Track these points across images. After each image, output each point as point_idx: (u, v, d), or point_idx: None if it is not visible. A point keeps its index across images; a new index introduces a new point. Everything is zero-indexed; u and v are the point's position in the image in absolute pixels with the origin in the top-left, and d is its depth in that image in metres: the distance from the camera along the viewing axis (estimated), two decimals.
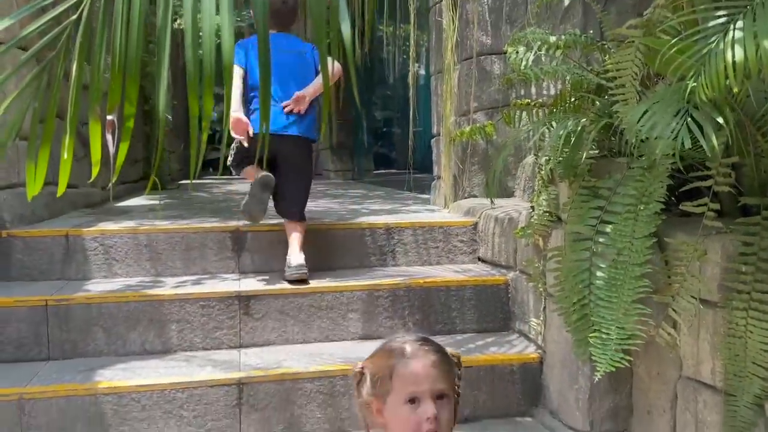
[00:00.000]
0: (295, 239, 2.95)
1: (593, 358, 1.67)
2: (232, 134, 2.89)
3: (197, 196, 5.56)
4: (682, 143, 1.58)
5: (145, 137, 6.84)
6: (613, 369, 1.65)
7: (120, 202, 4.85)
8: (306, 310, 2.77)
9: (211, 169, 16.08)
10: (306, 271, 2.84)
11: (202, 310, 2.70)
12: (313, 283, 2.85)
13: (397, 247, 3.22)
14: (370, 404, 1.31)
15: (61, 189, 1.74)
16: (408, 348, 1.29)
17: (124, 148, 1.61)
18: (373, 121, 10.65)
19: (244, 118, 2.92)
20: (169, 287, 2.80)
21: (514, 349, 2.70)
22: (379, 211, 3.85)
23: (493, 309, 2.93)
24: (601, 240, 1.94)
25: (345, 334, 2.80)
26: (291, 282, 2.82)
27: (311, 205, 4.30)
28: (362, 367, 1.34)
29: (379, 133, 11.73)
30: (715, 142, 1.49)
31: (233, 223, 3.16)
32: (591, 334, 1.72)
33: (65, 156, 1.60)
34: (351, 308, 2.80)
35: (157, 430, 2.35)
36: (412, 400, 1.24)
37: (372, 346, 2.65)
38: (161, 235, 3.04)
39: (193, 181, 8.66)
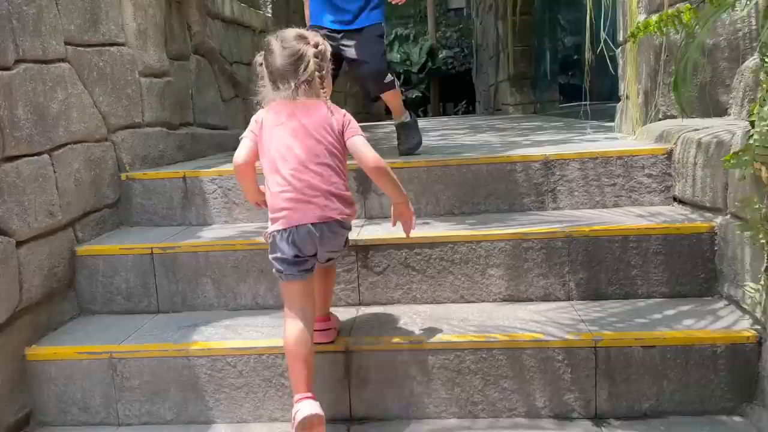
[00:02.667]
0: None
1: None
2: None
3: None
4: None
5: None
6: None
7: None
8: (435, 264, 2.24)
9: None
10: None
11: None
12: (445, 231, 2.31)
13: (559, 185, 2.54)
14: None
15: None
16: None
17: None
18: (559, 48, 9.57)
19: None
20: None
21: (720, 323, 1.94)
22: (542, 143, 3.15)
23: (691, 267, 2.16)
24: None
25: (484, 294, 2.24)
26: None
27: (465, 139, 3.69)
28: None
29: (568, 62, 10.56)
30: None
31: None
32: None
33: None
34: (491, 262, 2.22)
35: (256, 401, 2.02)
36: None
37: (517, 309, 2.06)
38: None
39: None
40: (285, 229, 1.79)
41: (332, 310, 2.22)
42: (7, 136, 2.04)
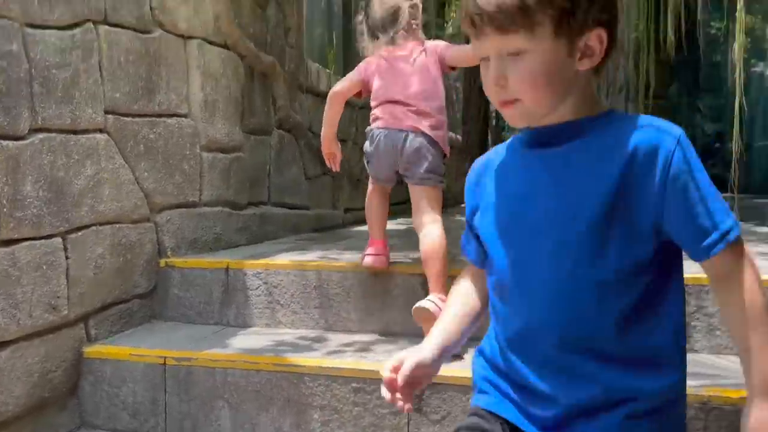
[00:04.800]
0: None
1: None
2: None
3: (458, 221, 4.70)
4: None
5: None
6: None
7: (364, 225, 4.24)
8: None
9: None
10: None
11: (354, 396, 1.79)
12: None
13: None
14: None
15: None
16: None
17: None
18: (699, 135, 8.71)
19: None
20: (323, 352, 1.95)
21: None
22: None
23: None
24: None
25: None
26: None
27: None
28: None
29: (710, 150, 9.60)
30: None
31: None
32: None
33: None
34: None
35: None
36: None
37: None
38: (334, 275, 2.22)
39: None
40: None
41: None
42: (4, 217, 1.74)
